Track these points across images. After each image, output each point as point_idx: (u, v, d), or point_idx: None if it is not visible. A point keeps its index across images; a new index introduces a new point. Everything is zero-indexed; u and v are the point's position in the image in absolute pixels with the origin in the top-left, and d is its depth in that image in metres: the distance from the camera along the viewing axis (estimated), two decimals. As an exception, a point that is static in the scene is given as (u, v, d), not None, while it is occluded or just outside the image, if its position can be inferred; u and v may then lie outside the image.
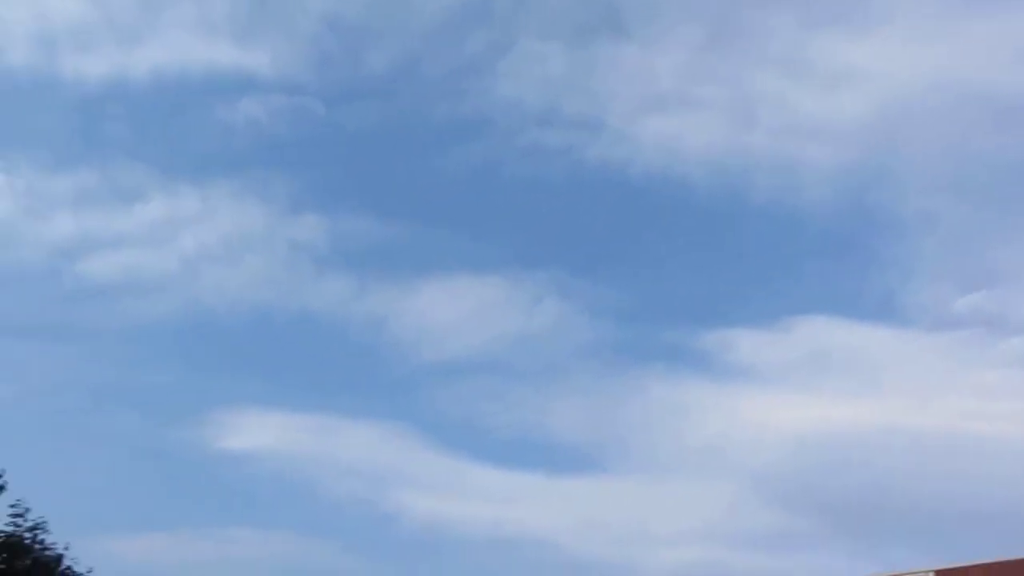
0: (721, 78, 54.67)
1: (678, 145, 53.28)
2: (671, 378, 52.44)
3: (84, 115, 53.31)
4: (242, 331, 53.36)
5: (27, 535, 17.57)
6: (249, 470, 45.67)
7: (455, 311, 54.54)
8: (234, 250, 53.25)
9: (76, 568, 18.38)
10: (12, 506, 17.59)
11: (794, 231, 56.27)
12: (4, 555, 17.13)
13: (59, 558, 18.02)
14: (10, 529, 17.45)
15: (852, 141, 55.21)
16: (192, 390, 51.13)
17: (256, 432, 47.72)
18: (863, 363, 49.24)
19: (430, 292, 53.52)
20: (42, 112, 52.83)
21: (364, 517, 45.49)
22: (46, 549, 17.75)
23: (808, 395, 47.61)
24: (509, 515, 46.71)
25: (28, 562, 17.37)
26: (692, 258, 57.24)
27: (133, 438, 45.59)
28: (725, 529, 43.80)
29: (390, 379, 53.34)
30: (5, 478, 17.59)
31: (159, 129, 54.59)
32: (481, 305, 54.36)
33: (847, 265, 57.12)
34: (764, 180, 54.29)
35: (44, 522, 17.88)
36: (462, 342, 53.29)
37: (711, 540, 43.89)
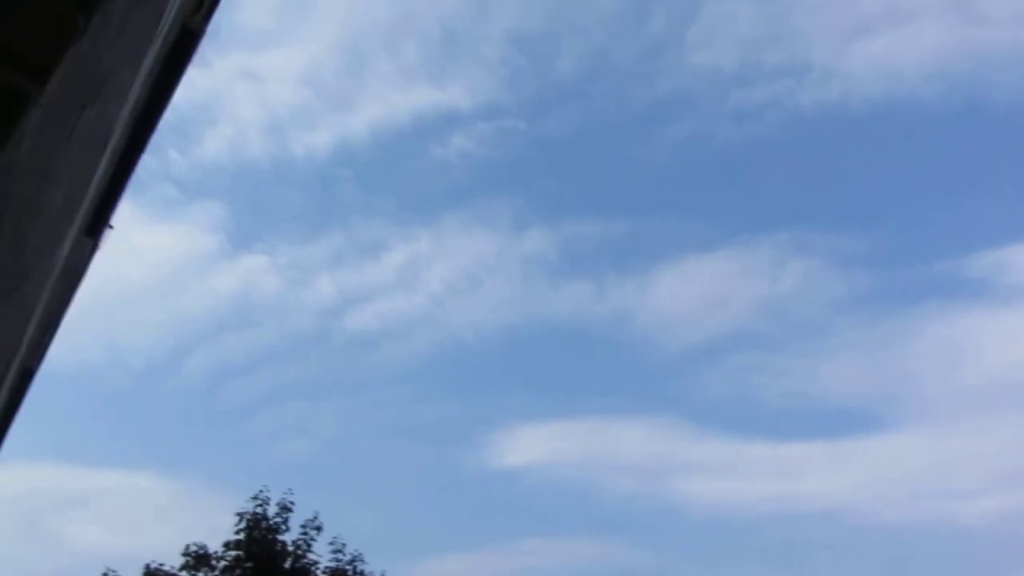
0: (931, -22, 49.21)
1: (897, 64, 48.65)
2: (947, 314, 47.83)
3: (319, 185, 58.85)
4: (496, 353, 55.86)
5: (348, 567, 19.43)
6: (530, 482, 47.55)
7: (697, 291, 53.52)
8: (473, 279, 56.00)
9: (395, 593, 19.98)
10: (331, 543, 19.52)
11: (1051, 125, 49.15)
12: (333, 588, 19.12)
13: (379, 585, 19.74)
14: (333, 564, 19.40)
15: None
16: (463, 417, 54.29)
17: (530, 446, 49.70)
18: None
19: (668, 278, 52.96)
20: (285, 192, 58.99)
21: (648, 512, 45.72)
22: (367, 578, 19.53)
23: (1115, 302, 41.34)
24: (795, 488, 44.83)
25: (354, 592, 19.27)
26: (939, 181, 51.89)
27: (422, 470, 49.09)
28: (1041, 468, 39.04)
29: (647, 371, 53.35)
30: (320, 519, 19.60)
31: (385, 181, 58.91)
32: (722, 280, 52.94)
33: None
34: (1003, 78, 48.09)
35: (360, 554, 19.67)
36: (711, 321, 52.17)
37: (1025, 483, 39.30)
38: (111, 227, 9.64)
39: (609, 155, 55.56)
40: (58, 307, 7.25)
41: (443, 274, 55.79)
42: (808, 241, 51.56)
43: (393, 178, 58.18)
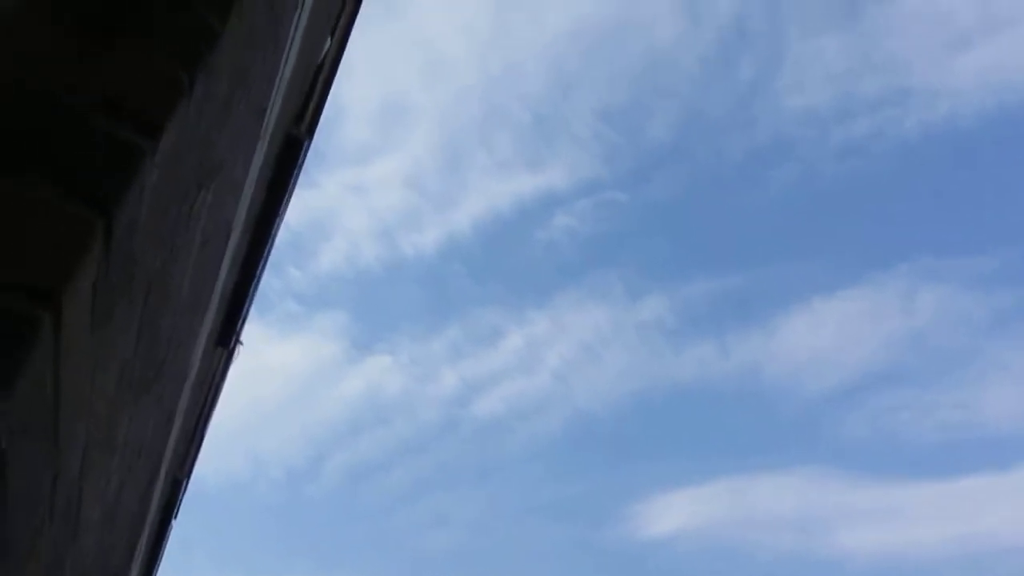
0: (1027, -14, 47.19)
1: (1004, 72, 46.55)
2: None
3: (432, 282, 60.68)
4: (626, 424, 54.95)
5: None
6: (681, 551, 45.81)
7: (827, 335, 51.52)
8: (593, 353, 55.74)
9: None
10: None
11: None
12: None
13: None
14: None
15: None
16: (601, 491, 53.29)
17: (673, 513, 48.06)
18: None
19: (793, 326, 51.25)
20: (400, 292, 61.06)
21: (807, 569, 43.03)
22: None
23: None
24: (972, 527, 41.36)
25: None
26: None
27: (569, 547, 48.20)
28: None
29: (785, 423, 51.19)
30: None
31: (494, 270, 60.21)
32: (852, 321, 50.79)
33: None
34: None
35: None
36: (846, 363, 49.90)
37: None
38: (241, 343, 10.12)
39: (715, 210, 54.93)
40: (199, 418, 7.59)
41: (562, 352, 55.81)
42: (935, 268, 48.98)
43: (502, 265, 59.27)
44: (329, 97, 7.05)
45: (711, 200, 54.37)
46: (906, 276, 49.84)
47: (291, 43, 3.16)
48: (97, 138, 1.08)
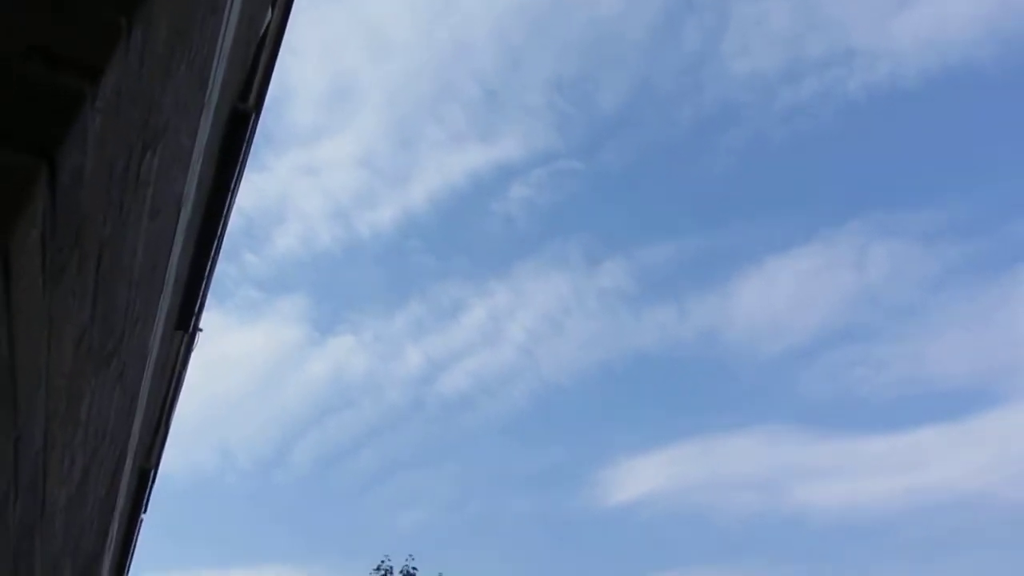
0: (962, -60, 47.88)
1: (943, 32, 47.34)
2: (1052, 272, 45.34)
3: (391, 259, 60.35)
4: (592, 391, 55.47)
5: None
6: (648, 515, 46.60)
7: (783, 294, 52.44)
8: (555, 322, 56.06)
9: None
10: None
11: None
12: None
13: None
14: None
15: None
16: (569, 460, 53.83)
17: (638, 479, 48.85)
18: None
19: (750, 286, 52.08)
20: (359, 272, 60.65)
21: (770, 527, 44.15)
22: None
23: None
24: (922, 479, 42.72)
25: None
26: (1009, 139, 49.68)
27: (540, 518, 48.71)
28: None
29: (745, 383, 52.15)
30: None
31: (453, 244, 60.03)
32: (806, 278, 51.69)
33: None
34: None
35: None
36: (802, 321, 50.91)
37: None
38: (200, 329, 9.96)
39: (668, 176, 55.27)
40: (163, 405, 7.48)
41: (525, 323, 56.05)
42: (886, 224, 50.02)
43: (461, 239, 59.09)
44: (275, 74, 6.91)
45: (664, 165, 54.72)
46: (858, 232, 50.84)
47: (230, 9, 3.08)
48: (34, 84, 1.04)
